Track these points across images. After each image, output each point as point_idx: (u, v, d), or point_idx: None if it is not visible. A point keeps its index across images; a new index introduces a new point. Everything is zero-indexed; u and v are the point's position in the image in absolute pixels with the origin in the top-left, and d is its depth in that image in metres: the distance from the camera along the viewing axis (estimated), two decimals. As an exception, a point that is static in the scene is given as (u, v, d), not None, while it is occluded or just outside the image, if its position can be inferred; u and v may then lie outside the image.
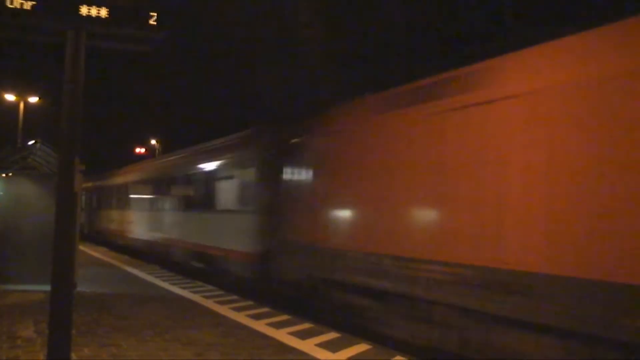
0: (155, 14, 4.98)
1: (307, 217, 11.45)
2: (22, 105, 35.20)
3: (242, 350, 7.94)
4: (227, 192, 15.74)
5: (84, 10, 4.80)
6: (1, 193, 12.81)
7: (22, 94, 35.51)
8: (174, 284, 14.58)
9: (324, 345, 8.42)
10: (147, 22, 4.95)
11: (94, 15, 4.83)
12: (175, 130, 64.39)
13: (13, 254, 12.35)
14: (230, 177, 15.48)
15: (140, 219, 24.03)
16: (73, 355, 6.65)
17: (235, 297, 12.81)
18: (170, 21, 5.10)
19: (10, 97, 35.34)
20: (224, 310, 10.93)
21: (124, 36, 5.12)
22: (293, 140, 12.39)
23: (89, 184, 32.70)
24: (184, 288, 13.89)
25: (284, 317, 10.57)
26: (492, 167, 7.38)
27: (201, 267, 16.53)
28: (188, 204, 18.50)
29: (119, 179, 28.84)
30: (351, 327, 9.77)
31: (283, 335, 8.98)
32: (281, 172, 12.61)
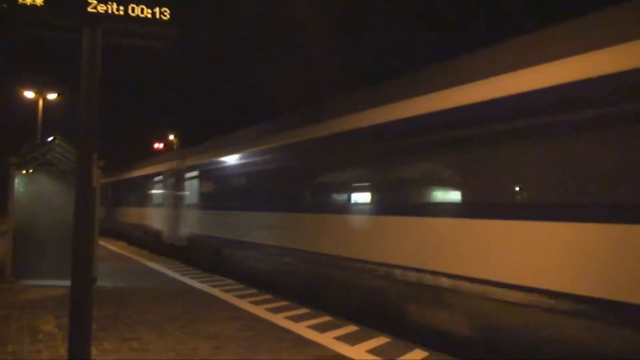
0: (169, 11, 4.98)
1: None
2: (41, 102, 35.50)
3: (261, 343, 7.97)
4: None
5: (99, 7, 4.83)
6: (21, 189, 12.94)
7: (41, 90, 35.79)
8: (193, 278, 14.66)
9: (343, 339, 8.43)
10: (162, 18, 4.97)
11: (109, 12, 4.85)
12: (193, 125, 64.85)
13: (33, 249, 12.48)
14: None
15: None
16: (94, 350, 6.72)
17: (254, 290, 12.85)
18: (184, 18, 5.10)
19: (29, 94, 35.63)
20: (243, 304, 10.98)
21: (140, 33, 5.14)
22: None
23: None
24: (203, 282, 13.96)
25: (303, 310, 10.59)
26: None
27: None
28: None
29: None
30: (370, 321, 9.76)
31: (302, 329, 9.00)
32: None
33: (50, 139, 13.72)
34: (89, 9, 4.79)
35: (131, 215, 29.25)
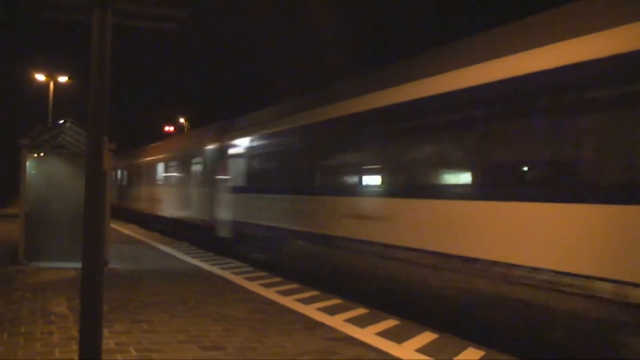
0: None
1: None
2: (52, 84, 35.57)
3: (271, 325, 8.00)
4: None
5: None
6: (33, 172, 12.99)
7: (52, 73, 35.88)
8: (203, 261, 14.72)
9: (353, 321, 8.44)
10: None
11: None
12: (203, 108, 64.89)
13: (45, 232, 12.56)
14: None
15: None
16: (105, 331, 6.77)
17: (264, 273, 12.90)
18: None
19: (40, 77, 35.72)
20: (253, 287, 11.01)
21: (150, 14, 5.11)
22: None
23: None
24: (214, 265, 14.01)
25: (313, 292, 10.62)
26: None
27: None
28: None
29: None
30: (380, 303, 9.78)
31: (312, 311, 9.02)
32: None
33: (61, 121, 13.74)
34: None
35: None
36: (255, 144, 16.48)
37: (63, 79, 36.21)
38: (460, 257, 8.39)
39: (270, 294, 10.34)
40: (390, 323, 8.45)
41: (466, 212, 8.47)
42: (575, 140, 7.18)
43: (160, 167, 26.28)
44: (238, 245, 16.92)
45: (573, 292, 6.71)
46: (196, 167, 20.99)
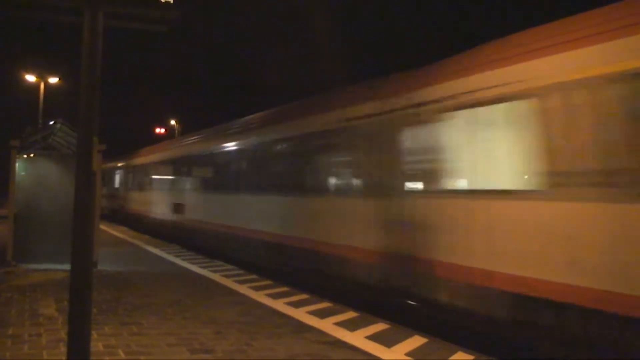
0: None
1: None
2: (42, 85, 35.43)
3: (261, 328, 7.99)
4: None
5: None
6: (23, 173, 12.93)
7: (42, 74, 35.73)
8: (193, 263, 14.68)
9: (343, 324, 8.45)
10: (163, 1, 4.93)
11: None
12: (194, 111, 64.78)
13: (35, 233, 12.50)
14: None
15: None
16: (94, 334, 6.75)
17: (254, 276, 12.87)
18: (186, 1, 5.07)
19: (31, 78, 35.57)
20: (243, 289, 11.00)
21: (140, 16, 5.11)
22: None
23: None
24: (204, 267, 13.98)
25: (303, 296, 10.61)
26: None
27: None
28: None
29: None
30: (369, 307, 9.80)
31: (302, 314, 9.02)
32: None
33: (51, 122, 13.69)
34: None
35: None
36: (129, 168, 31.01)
37: (54, 80, 36.07)
38: None
39: (260, 297, 10.33)
40: (379, 327, 8.46)
41: None
42: None
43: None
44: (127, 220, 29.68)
45: None
46: (118, 175, 33.97)
